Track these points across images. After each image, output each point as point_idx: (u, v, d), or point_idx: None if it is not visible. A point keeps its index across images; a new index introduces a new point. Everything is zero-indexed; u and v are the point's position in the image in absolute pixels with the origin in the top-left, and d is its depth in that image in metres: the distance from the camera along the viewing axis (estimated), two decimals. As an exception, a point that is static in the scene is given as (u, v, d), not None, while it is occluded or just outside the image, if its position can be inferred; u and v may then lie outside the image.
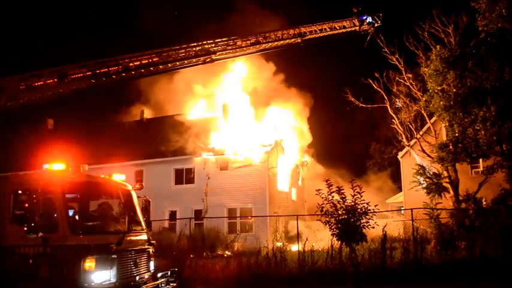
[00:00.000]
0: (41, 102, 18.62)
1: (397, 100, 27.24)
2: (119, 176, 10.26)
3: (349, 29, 26.42)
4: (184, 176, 30.99)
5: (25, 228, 8.13)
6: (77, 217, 9.12)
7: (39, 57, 59.67)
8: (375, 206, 13.58)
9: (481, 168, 26.04)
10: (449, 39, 23.64)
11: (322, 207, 12.55)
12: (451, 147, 21.51)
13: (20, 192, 8.75)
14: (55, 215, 8.32)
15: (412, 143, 27.28)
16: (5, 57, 54.53)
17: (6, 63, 47.17)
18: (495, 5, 20.36)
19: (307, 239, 16.38)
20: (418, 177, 23.91)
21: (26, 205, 8.32)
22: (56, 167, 8.72)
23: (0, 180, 9.20)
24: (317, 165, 35.25)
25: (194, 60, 21.13)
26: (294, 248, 18.18)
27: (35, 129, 39.11)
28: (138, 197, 10.52)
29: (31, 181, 8.79)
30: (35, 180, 8.62)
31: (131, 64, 19.54)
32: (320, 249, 16.31)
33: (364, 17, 26.59)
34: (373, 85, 27.31)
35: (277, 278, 14.54)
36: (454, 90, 20.78)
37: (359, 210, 12.38)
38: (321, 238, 17.33)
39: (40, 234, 8.08)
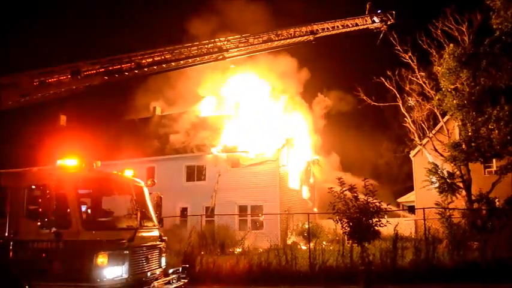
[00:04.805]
0: (54, 99, 18.74)
1: (409, 99, 27.05)
2: (128, 171, 10.34)
3: (361, 27, 26.23)
4: (195, 173, 31.07)
5: (38, 223, 8.23)
6: (89, 212, 9.21)
7: (53, 54, 60.11)
8: (387, 205, 13.54)
9: (495, 168, 25.79)
10: (462, 38, 23.44)
11: (334, 206, 12.52)
12: (463, 146, 21.32)
13: (33, 187, 8.82)
14: (68, 211, 8.38)
15: (424, 142, 27.08)
16: (20, 54, 55.01)
17: (20, 60, 47.56)
18: (510, 3, 20.12)
19: (318, 238, 16.36)
20: (431, 176, 23.71)
21: (40, 200, 8.39)
22: (69, 163, 8.80)
23: (14, 176, 9.30)
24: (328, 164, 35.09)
25: (206, 57, 21.14)
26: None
27: (48, 125, 39.49)
28: (150, 193, 10.57)
29: (44, 177, 8.87)
30: (49, 176, 8.73)
31: (144, 61, 19.59)
32: (331, 248, 16.27)
33: (377, 14, 26.41)
34: (386, 83, 27.17)
35: (288, 276, 14.53)
36: (468, 89, 20.62)
37: (371, 209, 12.32)
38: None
39: (53, 229, 8.17)
